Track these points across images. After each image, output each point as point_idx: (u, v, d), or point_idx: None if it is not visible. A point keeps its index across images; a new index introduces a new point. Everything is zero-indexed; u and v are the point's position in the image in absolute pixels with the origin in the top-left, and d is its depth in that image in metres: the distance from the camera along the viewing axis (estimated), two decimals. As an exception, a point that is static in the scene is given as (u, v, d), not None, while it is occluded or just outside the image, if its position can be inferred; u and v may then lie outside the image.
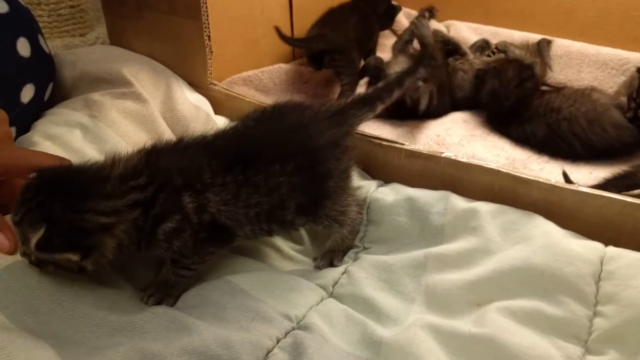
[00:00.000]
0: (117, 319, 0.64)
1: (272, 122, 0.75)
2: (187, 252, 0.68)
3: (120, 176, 0.64)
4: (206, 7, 0.92)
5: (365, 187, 0.84)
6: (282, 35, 1.15)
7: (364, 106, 0.79)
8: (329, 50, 1.24)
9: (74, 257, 0.61)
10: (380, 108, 0.81)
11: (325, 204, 0.73)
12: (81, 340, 0.61)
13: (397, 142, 0.86)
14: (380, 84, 0.84)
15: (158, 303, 0.69)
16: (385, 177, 0.86)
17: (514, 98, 1.11)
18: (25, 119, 0.88)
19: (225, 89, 0.99)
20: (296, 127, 0.73)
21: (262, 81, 1.28)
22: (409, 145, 0.84)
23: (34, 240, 0.59)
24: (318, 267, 0.78)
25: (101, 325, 0.63)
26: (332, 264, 0.78)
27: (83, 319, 0.63)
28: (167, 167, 0.66)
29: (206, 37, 0.95)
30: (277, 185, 0.69)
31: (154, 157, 0.67)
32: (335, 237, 0.78)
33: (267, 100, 1.05)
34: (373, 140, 0.88)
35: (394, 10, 1.45)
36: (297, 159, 0.70)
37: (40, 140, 0.82)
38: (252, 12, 1.23)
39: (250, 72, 1.28)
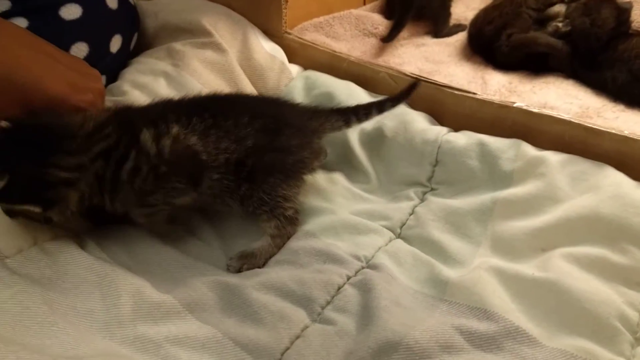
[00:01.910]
0: (203, 264, 0.71)
1: (248, 95, 0.80)
2: (149, 188, 0.69)
3: (87, 134, 0.67)
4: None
5: (435, 130, 0.86)
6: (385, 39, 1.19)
7: (340, 117, 0.80)
8: None
9: (35, 209, 0.64)
10: (354, 124, 0.82)
11: (276, 177, 0.72)
12: (170, 277, 0.69)
13: (468, 92, 0.87)
14: (363, 104, 0.84)
15: None
16: (455, 125, 0.88)
17: (605, 40, 1.08)
18: (114, 68, 0.94)
19: (299, 38, 1.02)
20: (271, 100, 0.78)
21: (333, 27, 1.29)
22: (481, 95, 0.85)
23: None
24: (228, 268, 0.72)
25: (189, 267, 0.71)
26: (241, 270, 0.71)
27: (173, 261, 0.71)
28: (133, 117, 0.70)
29: (282, -13, 0.97)
30: (244, 135, 0.70)
31: (123, 113, 0.71)
32: (263, 241, 0.74)
33: (339, 47, 1.07)
34: (444, 88, 0.89)
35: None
36: (265, 119, 0.72)
37: (129, 89, 0.88)
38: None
39: (321, 18, 1.29)
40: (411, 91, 0.84)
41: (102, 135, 0.67)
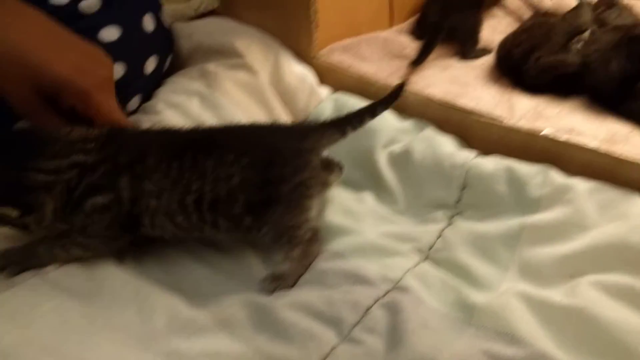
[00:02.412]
0: (235, 283, 0.73)
1: (239, 125, 0.78)
2: (96, 231, 0.69)
3: (71, 140, 0.68)
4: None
5: (464, 154, 0.87)
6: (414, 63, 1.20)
7: (336, 129, 0.79)
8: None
9: (12, 213, 0.66)
10: (349, 133, 0.81)
11: (276, 209, 0.72)
12: (203, 294, 0.71)
13: (494, 119, 0.88)
14: (353, 111, 0.83)
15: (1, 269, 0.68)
16: (483, 150, 0.89)
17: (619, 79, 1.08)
18: (148, 88, 0.97)
19: (328, 63, 1.04)
20: (259, 128, 0.78)
21: (361, 49, 1.31)
22: (507, 122, 0.87)
23: None
24: (262, 290, 0.72)
25: (220, 285, 0.72)
26: (274, 291, 0.72)
27: (205, 279, 0.73)
28: (120, 144, 0.70)
29: (312, 11, 0.99)
30: (228, 175, 0.70)
31: (114, 134, 0.71)
32: (291, 263, 0.74)
33: (366, 68, 1.09)
34: (471, 114, 0.90)
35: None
36: (254, 154, 0.72)
37: (163, 108, 0.91)
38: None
39: (348, 40, 1.31)
40: (399, 94, 0.85)
41: (84, 147, 0.68)
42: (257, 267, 0.76)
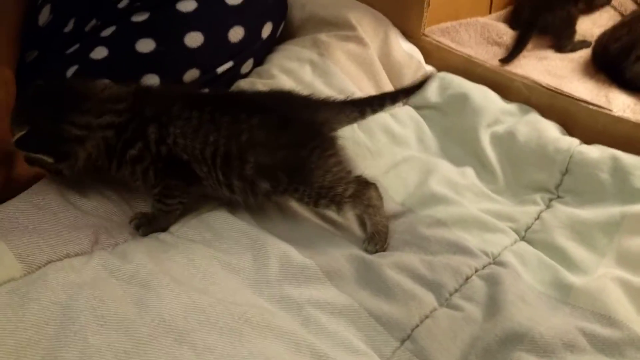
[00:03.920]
0: (340, 238, 0.78)
1: (258, 91, 0.82)
2: (150, 181, 0.74)
3: (102, 99, 0.74)
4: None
5: (568, 140, 0.88)
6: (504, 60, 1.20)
7: (355, 108, 0.81)
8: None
9: (48, 159, 0.71)
10: (368, 115, 0.82)
11: (302, 173, 0.74)
12: (312, 245, 0.75)
13: (603, 107, 0.89)
14: (377, 95, 0.84)
15: (137, 228, 0.75)
16: (586, 139, 0.89)
17: None
18: (262, 53, 1.02)
19: (436, 41, 1.06)
20: (277, 96, 0.80)
21: (459, 33, 1.32)
22: (617, 112, 0.87)
23: (16, 137, 0.70)
24: (366, 251, 0.76)
25: (328, 239, 0.77)
26: (377, 250, 0.75)
27: (315, 231, 0.78)
28: (146, 100, 0.75)
29: (426, -10, 1.02)
30: (238, 131, 0.73)
31: (141, 92, 0.76)
32: (371, 221, 0.76)
33: (471, 52, 1.11)
34: (579, 101, 0.91)
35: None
36: (264, 115, 0.74)
37: (277, 73, 0.96)
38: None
39: (448, 24, 1.33)
40: (423, 84, 0.87)
41: (115, 108, 0.74)
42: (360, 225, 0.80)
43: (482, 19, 1.41)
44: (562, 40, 1.38)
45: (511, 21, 1.45)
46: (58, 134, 0.71)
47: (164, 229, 0.77)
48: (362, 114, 0.83)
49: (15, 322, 0.59)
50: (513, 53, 1.28)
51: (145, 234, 0.75)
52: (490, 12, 1.48)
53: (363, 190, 0.76)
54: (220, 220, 0.77)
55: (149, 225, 0.76)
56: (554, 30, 1.40)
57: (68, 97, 0.73)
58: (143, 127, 0.73)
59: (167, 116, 0.74)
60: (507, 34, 1.37)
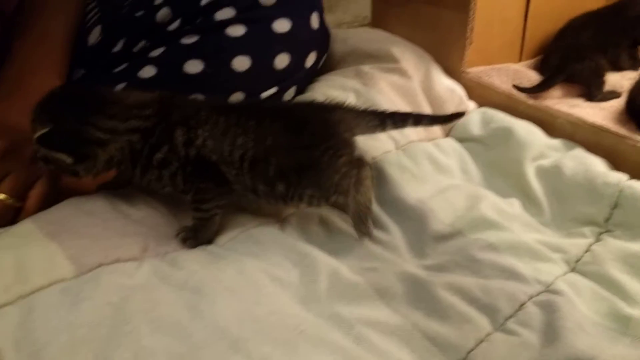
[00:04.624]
0: (390, 255, 0.76)
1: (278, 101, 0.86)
2: (179, 186, 0.75)
3: (130, 104, 0.74)
4: (475, 2, 1.02)
5: (617, 175, 0.87)
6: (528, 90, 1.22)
7: (375, 117, 0.81)
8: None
9: (67, 160, 0.71)
10: (389, 128, 0.82)
11: (312, 173, 0.75)
12: (361, 263, 0.74)
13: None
14: (400, 112, 0.84)
15: (184, 241, 0.75)
16: (635, 176, 0.88)
17: None
18: (304, 82, 1.03)
19: (477, 78, 1.08)
20: (297, 103, 0.83)
21: (492, 78, 1.34)
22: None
23: (38, 133, 0.70)
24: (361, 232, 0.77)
25: (379, 257, 0.76)
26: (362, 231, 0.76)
27: (364, 249, 0.76)
28: (173, 106, 0.76)
29: (469, 28, 1.04)
30: (264, 135, 0.74)
31: (167, 99, 0.77)
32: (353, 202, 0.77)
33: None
34: (626, 139, 0.91)
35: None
36: (286, 120, 0.76)
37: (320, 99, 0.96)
38: (491, 10, 1.29)
39: (481, 68, 1.35)
40: (453, 118, 0.87)
41: (142, 113, 0.74)
42: (409, 242, 0.79)
43: (513, 65, 1.43)
44: (591, 89, 1.40)
45: (540, 68, 1.47)
46: (80, 134, 0.71)
47: (210, 241, 0.76)
48: (382, 125, 0.81)
49: (69, 319, 0.57)
50: (539, 87, 1.30)
51: (192, 247, 0.74)
52: (520, 60, 1.51)
53: (362, 173, 0.76)
54: (268, 235, 0.76)
55: (194, 238, 0.75)
56: (583, 80, 1.42)
57: (93, 100, 0.74)
58: (170, 131, 0.74)
59: (195, 120, 0.74)
60: (538, 81, 1.39)
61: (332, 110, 0.80)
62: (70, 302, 0.59)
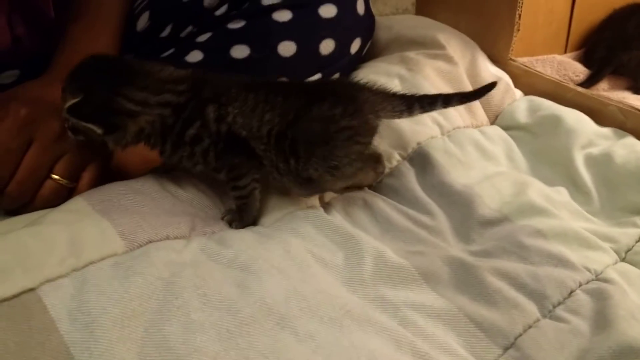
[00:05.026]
0: (435, 239, 0.76)
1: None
2: (211, 163, 0.74)
3: (162, 78, 0.73)
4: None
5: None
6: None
7: (403, 101, 0.78)
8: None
9: (98, 130, 0.70)
10: (416, 112, 0.78)
11: (323, 148, 0.73)
12: (407, 247, 0.74)
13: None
14: (428, 94, 0.82)
15: (230, 224, 0.75)
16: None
17: None
18: (349, 68, 1.03)
19: (525, 66, 1.06)
20: (327, 80, 0.83)
21: (536, 69, 1.32)
22: None
23: (68, 103, 0.69)
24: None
25: (424, 241, 0.76)
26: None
27: (410, 232, 0.77)
28: (204, 83, 0.75)
29: (517, 15, 1.02)
30: (288, 110, 0.73)
31: (199, 76, 0.76)
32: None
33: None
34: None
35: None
36: (311, 94, 0.75)
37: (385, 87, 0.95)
38: (537, 1, 1.27)
39: (525, 59, 1.33)
40: (486, 91, 0.83)
41: (175, 89, 0.73)
42: (454, 227, 0.79)
43: (559, 57, 1.40)
44: (638, 82, 1.37)
45: (585, 60, 1.44)
46: (111, 105, 0.71)
47: (255, 222, 0.76)
48: (410, 109, 0.79)
49: (121, 292, 0.58)
50: (591, 80, 1.27)
51: (238, 228, 0.75)
52: (565, 52, 1.48)
53: (379, 169, 0.80)
54: (313, 218, 0.76)
55: (240, 220, 0.75)
56: (630, 72, 1.39)
57: (125, 71, 0.73)
58: (202, 107, 0.73)
59: (227, 97, 0.74)
60: (583, 72, 1.36)
61: (360, 90, 0.79)
62: (122, 276, 0.60)
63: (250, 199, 0.76)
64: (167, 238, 0.68)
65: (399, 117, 0.80)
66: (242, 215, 0.76)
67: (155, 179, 0.77)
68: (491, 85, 0.84)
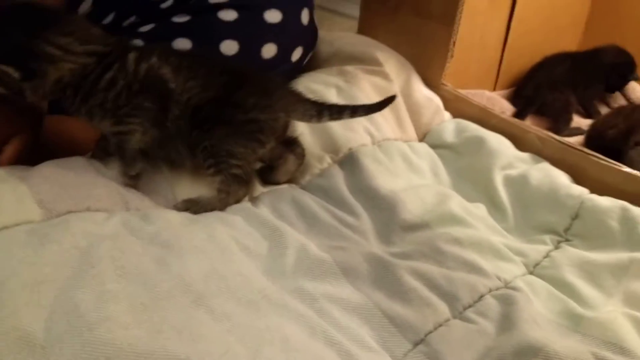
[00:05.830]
0: (358, 237, 0.78)
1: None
2: (119, 106, 0.73)
3: (93, 32, 0.74)
4: (460, 16, 1.06)
5: (580, 188, 0.91)
6: None
7: (314, 106, 0.82)
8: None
9: (14, 74, 0.67)
10: (324, 119, 0.83)
11: (222, 130, 0.76)
12: (329, 242, 0.76)
13: (614, 164, 0.93)
14: (338, 104, 0.86)
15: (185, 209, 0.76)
16: (596, 192, 0.91)
17: None
18: (289, 76, 1.05)
19: (455, 91, 1.11)
20: (254, 70, 0.84)
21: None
22: (627, 168, 0.91)
23: None
24: (175, 207, 0.77)
25: (346, 238, 0.77)
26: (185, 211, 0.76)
27: (334, 229, 0.79)
28: (130, 44, 0.78)
29: (452, 42, 1.07)
30: (209, 86, 0.76)
31: (126, 40, 0.79)
32: (211, 194, 0.79)
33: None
34: (590, 156, 0.95)
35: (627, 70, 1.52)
36: (233, 75, 0.78)
37: (303, 92, 0.98)
38: (472, 35, 1.34)
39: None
40: (386, 104, 0.87)
41: (103, 41, 0.74)
42: (377, 229, 0.81)
43: (488, 92, 1.48)
44: (559, 123, 1.46)
45: (513, 98, 1.53)
46: (31, 49, 0.68)
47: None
48: (319, 115, 0.82)
49: (34, 258, 0.57)
50: (515, 116, 1.35)
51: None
52: (495, 89, 1.56)
53: (241, 179, 0.78)
54: (241, 210, 0.77)
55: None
56: (553, 112, 1.48)
57: (50, 17, 0.71)
58: (124, 53, 0.74)
59: (150, 50, 0.76)
60: (510, 110, 1.45)
61: (278, 87, 0.81)
62: (37, 242, 0.58)
63: (125, 140, 0.75)
64: (88, 210, 0.66)
65: (309, 121, 0.84)
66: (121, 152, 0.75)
67: (85, 160, 0.76)
68: (391, 99, 0.88)
